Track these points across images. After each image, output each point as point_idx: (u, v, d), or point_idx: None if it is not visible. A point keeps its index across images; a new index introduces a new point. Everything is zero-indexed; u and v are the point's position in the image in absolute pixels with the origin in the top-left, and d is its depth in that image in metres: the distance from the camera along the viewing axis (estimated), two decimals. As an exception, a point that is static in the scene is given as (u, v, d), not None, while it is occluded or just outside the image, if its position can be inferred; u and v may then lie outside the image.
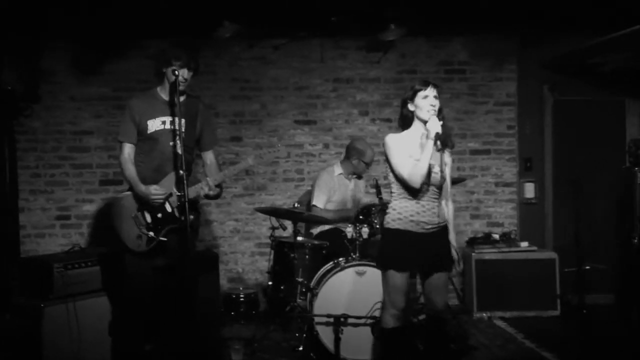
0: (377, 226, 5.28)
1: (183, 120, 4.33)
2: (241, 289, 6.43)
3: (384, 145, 4.14)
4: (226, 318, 6.07)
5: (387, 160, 4.13)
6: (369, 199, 5.99)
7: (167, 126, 4.36)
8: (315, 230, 5.99)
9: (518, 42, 6.92)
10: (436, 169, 4.06)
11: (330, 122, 6.89)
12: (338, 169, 6.06)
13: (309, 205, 6.02)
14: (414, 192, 4.04)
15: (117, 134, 4.54)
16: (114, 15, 5.98)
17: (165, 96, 4.39)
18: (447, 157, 4.18)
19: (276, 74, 6.84)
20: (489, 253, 6.41)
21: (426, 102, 3.99)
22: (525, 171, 6.98)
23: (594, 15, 6.08)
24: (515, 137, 6.98)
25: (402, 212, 4.09)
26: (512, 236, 6.59)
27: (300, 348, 4.98)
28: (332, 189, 5.97)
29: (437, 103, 4.01)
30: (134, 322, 4.43)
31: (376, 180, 5.66)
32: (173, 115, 4.34)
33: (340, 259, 5.18)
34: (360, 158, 5.95)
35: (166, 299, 4.38)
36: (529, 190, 6.96)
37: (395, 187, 4.14)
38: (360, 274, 4.99)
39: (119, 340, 4.69)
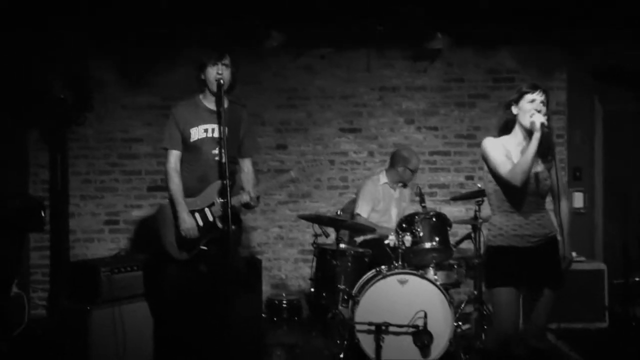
0: (420, 234, 5.25)
1: (226, 128, 4.28)
2: (284, 295, 6.46)
3: (482, 148, 3.87)
4: (269, 324, 6.12)
5: (486, 164, 3.87)
6: (413, 208, 5.96)
7: (210, 134, 4.37)
8: (359, 239, 5.99)
9: (568, 50, 6.80)
10: (542, 174, 3.79)
11: (376, 131, 6.89)
12: (383, 178, 6.05)
13: (353, 214, 6.02)
14: (515, 202, 3.79)
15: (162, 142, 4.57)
16: (163, 26, 6.12)
17: (207, 103, 4.42)
18: (552, 167, 3.83)
19: (322, 84, 6.88)
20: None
21: (532, 106, 3.74)
22: (574, 180, 6.85)
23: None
24: (565, 146, 6.86)
25: (503, 227, 3.84)
26: (560, 247, 6.45)
27: (342, 355, 4.97)
28: (377, 198, 5.96)
29: (543, 109, 3.73)
30: (175, 328, 4.48)
31: (419, 189, 5.63)
32: (216, 122, 4.35)
33: (383, 267, 5.17)
34: (406, 165, 5.93)
35: (207, 306, 4.40)
36: (578, 200, 6.82)
37: (494, 199, 3.89)
38: (402, 282, 4.97)
39: (162, 345, 4.76)
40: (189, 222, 4.29)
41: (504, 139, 3.88)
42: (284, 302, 6.25)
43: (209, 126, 4.39)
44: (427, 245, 5.25)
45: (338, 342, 5.13)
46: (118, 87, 6.77)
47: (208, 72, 4.32)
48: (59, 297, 5.72)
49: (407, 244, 5.26)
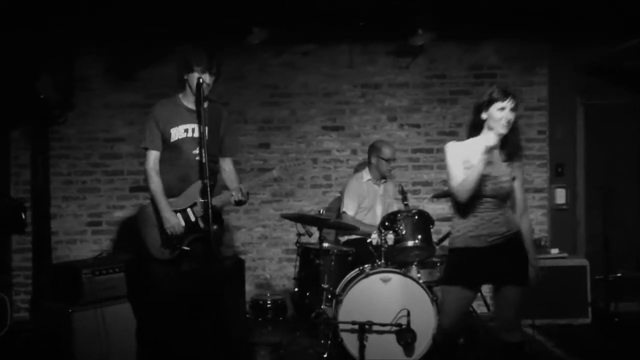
0: (403, 233, 5.26)
1: (206, 128, 4.26)
2: (269, 295, 6.44)
3: (444, 153, 3.95)
4: (254, 324, 6.11)
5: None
6: (398, 205, 5.96)
7: (190, 134, 4.35)
8: (343, 238, 6.00)
9: (549, 46, 6.82)
10: (500, 178, 3.83)
11: (359, 128, 6.89)
12: (367, 175, 6.06)
13: (339, 212, 6.02)
14: (467, 207, 3.86)
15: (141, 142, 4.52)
16: (146, 22, 6.08)
17: (187, 103, 4.39)
18: (517, 170, 3.92)
19: (305, 80, 6.86)
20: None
21: (501, 114, 3.75)
22: (557, 177, 6.87)
23: (627, 19, 5.99)
24: (546, 142, 6.89)
25: (460, 228, 3.92)
26: (543, 243, 6.49)
27: (325, 355, 4.98)
28: (362, 195, 5.96)
29: (512, 117, 3.76)
30: (158, 329, 4.46)
31: (402, 187, 5.65)
32: (196, 122, 4.32)
33: (366, 265, 5.18)
34: (378, 155, 5.93)
35: (192, 306, 4.40)
36: (560, 196, 6.85)
37: (453, 202, 3.98)
38: (385, 281, 4.98)
39: (145, 346, 4.74)
40: (173, 220, 4.27)
41: (470, 141, 3.89)
42: (269, 302, 6.24)
43: (189, 126, 4.36)
44: (410, 243, 5.25)
45: (322, 341, 5.13)
46: (100, 85, 6.73)
47: (193, 75, 4.27)
48: (42, 299, 5.68)
49: (390, 242, 5.26)
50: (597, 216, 6.28)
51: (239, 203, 4.40)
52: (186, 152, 4.33)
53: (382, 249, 5.21)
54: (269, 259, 6.86)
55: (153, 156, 4.42)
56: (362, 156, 6.72)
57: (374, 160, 5.97)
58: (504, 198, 3.89)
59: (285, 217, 5.79)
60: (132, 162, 6.73)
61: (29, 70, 6.11)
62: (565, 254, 6.40)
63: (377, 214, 5.99)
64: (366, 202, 5.98)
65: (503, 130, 3.74)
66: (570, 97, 6.87)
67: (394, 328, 4.83)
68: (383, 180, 6.09)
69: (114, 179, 6.74)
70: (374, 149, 6.00)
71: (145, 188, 6.41)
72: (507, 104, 3.75)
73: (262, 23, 6.13)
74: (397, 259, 5.31)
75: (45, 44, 6.12)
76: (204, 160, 4.13)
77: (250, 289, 6.57)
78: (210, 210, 3.95)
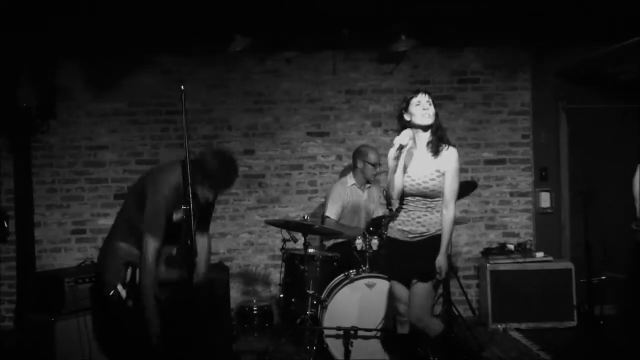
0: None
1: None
2: (255, 301, 6.43)
3: None
4: (240, 331, 6.09)
5: None
6: (381, 210, 5.97)
7: (180, 219, 3.88)
8: (329, 243, 6.00)
9: (532, 51, 6.87)
10: (418, 180, 4.09)
11: (343, 134, 6.89)
12: (351, 180, 6.06)
13: (323, 217, 6.01)
14: (402, 203, 4.24)
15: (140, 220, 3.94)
16: (128, 31, 6.08)
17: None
18: (445, 164, 4.09)
19: (289, 87, 6.87)
20: (504, 264, 6.34)
21: (419, 108, 4.09)
22: (541, 181, 6.90)
23: (610, 25, 6.03)
24: (531, 146, 6.92)
25: (395, 221, 4.30)
26: (528, 247, 6.51)
27: (311, 361, 4.97)
28: (346, 200, 5.96)
29: (430, 107, 4.10)
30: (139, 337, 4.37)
31: (386, 191, 5.63)
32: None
33: (351, 271, 5.17)
34: (364, 160, 5.94)
35: (176, 314, 4.33)
36: (545, 200, 6.88)
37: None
38: (370, 286, 4.99)
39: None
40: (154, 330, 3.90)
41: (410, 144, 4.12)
42: (255, 309, 6.22)
43: (182, 213, 4.01)
44: (395, 248, 5.23)
45: (308, 348, 5.11)
46: (83, 93, 6.71)
47: (201, 190, 3.92)
48: (25, 309, 5.63)
49: (375, 247, 5.26)
50: (582, 220, 6.29)
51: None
52: (174, 234, 3.93)
53: (367, 254, 5.20)
54: (255, 265, 6.83)
55: (159, 244, 3.93)
56: (348, 162, 6.72)
57: (360, 165, 5.98)
58: (432, 197, 4.11)
59: (271, 223, 5.76)
60: (116, 170, 6.72)
61: (10, 79, 6.10)
62: (550, 258, 6.42)
63: (362, 219, 5.99)
64: (350, 207, 5.98)
65: (426, 121, 4.07)
66: (553, 102, 6.91)
67: (379, 333, 4.83)
68: (368, 186, 6.09)
69: (98, 187, 6.72)
70: (360, 153, 6.01)
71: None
72: (422, 97, 4.11)
73: (245, 31, 6.14)
74: (382, 265, 5.30)
75: (25, 53, 6.09)
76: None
77: (236, 296, 6.54)
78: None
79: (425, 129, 4.12)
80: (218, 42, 6.26)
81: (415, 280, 4.15)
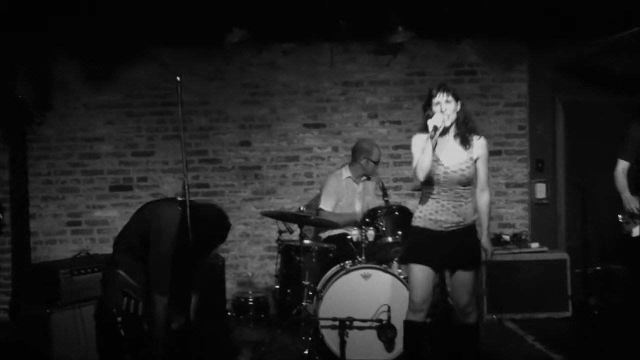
0: (383, 229, 5.26)
1: None
2: (250, 292, 6.44)
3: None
4: (235, 322, 6.09)
5: None
6: (377, 202, 5.97)
7: None
8: (324, 234, 5.99)
9: (529, 43, 6.86)
10: (453, 167, 4.10)
11: (340, 126, 6.89)
12: (346, 172, 6.05)
13: (317, 209, 6.01)
14: (432, 191, 4.16)
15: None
16: (125, 22, 6.06)
17: None
18: (478, 150, 4.17)
19: (285, 79, 6.86)
20: (499, 254, 6.32)
21: (437, 108, 4.12)
22: (537, 172, 6.92)
23: (606, 17, 6.02)
24: (527, 137, 6.93)
25: (423, 210, 4.22)
26: (523, 237, 6.53)
27: (306, 352, 4.96)
28: (340, 193, 5.95)
29: (448, 107, 4.10)
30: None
31: (382, 183, 5.65)
32: None
33: (346, 262, 5.17)
34: (368, 157, 5.93)
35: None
36: (540, 191, 6.89)
37: (421, 186, 4.28)
38: (365, 277, 4.98)
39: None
40: None
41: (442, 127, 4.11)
42: (250, 299, 6.23)
43: None
44: (390, 239, 5.25)
45: (303, 338, 5.12)
46: (78, 85, 6.70)
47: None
48: (21, 300, 5.62)
49: (370, 238, 5.26)
50: (578, 210, 6.31)
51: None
52: None
53: (363, 245, 5.19)
54: (251, 256, 6.85)
55: None
56: (344, 153, 6.73)
57: (362, 161, 5.94)
58: (465, 184, 4.15)
59: (266, 214, 5.78)
60: (111, 162, 6.72)
61: (6, 70, 6.07)
62: (545, 248, 6.43)
63: (356, 212, 5.99)
64: (344, 200, 5.97)
65: (442, 122, 4.03)
66: (550, 93, 6.92)
67: (375, 324, 4.84)
68: (363, 178, 6.09)
69: (94, 179, 6.72)
70: (363, 150, 5.96)
71: (125, 187, 6.66)
72: (440, 97, 4.11)
73: (241, 23, 6.12)
74: (377, 255, 5.31)
75: (22, 45, 6.07)
76: None
77: (231, 287, 6.56)
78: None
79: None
80: (214, 34, 6.23)
81: (459, 269, 4.20)
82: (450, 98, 4.12)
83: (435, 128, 4.00)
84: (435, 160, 4.07)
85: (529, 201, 6.93)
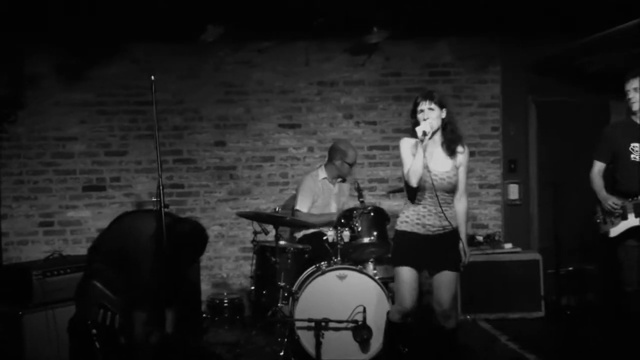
0: (359, 229, 5.27)
1: None
2: (225, 294, 6.42)
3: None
4: (210, 323, 6.07)
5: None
6: (353, 203, 5.97)
7: None
8: (299, 234, 5.99)
9: (502, 44, 6.92)
10: (440, 174, 4.22)
11: (315, 126, 6.89)
12: (322, 173, 6.05)
13: (293, 210, 6.01)
14: (419, 196, 4.26)
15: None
16: (98, 19, 5.98)
17: None
18: (461, 158, 4.32)
19: (261, 78, 6.84)
20: (473, 255, 6.32)
21: (421, 115, 4.24)
22: (510, 172, 6.98)
23: (577, 18, 6.10)
24: (500, 138, 6.99)
25: (409, 215, 4.32)
26: (497, 238, 6.60)
27: (282, 353, 4.96)
28: (316, 194, 5.96)
29: (431, 115, 4.20)
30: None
31: (358, 184, 5.67)
32: None
33: (322, 263, 5.18)
34: (343, 159, 5.94)
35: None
36: (513, 192, 6.96)
37: (405, 191, 4.39)
38: (341, 277, 4.99)
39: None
40: None
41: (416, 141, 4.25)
42: (225, 300, 6.21)
43: None
44: (366, 240, 5.27)
45: (279, 339, 5.12)
46: (50, 83, 6.61)
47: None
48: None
49: (346, 239, 5.28)
50: (550, 211, 6.38)
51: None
52: None
53: (338, 246, 5.21)
54: (226, 257, 6.82)
55: None
56: (319, 153, 6.74)
57: (337, 162, 5.95)
58: (450, 191, 4.29)
59: (242, 215, 5.76)
60: (84, 161, 6.65)
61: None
62: (518, 249, 6.51)
63: (331, 212, 5.99)
64: (320, 201, 5.97)
65: (427, 129, 4.12)
66: (523, 94, 6.99)
67: (350, 325, 4.85)
68: (339, 180, 6.09)
69: (67, 179, 6.63)
70: (339, 151, 5.97)
71: (99, 187, 6.57)
72: (423, 105, 4.23)
73: (217, 20, 6.08)
74: (353, 256, 5.34)
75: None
76: None
77: (206, 288, 6.52)
78: None
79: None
80: (189, 31, 6.17)
81: (443, 270, 4.31)
82: (434, 106, 4.21)
83: (425, 133, 4.11)
84: (424, 167, 4.15)
85: (502, 202, 6.99)
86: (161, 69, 6.48)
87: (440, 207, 4.19)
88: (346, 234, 5.28)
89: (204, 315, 6.11)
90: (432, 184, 4.17)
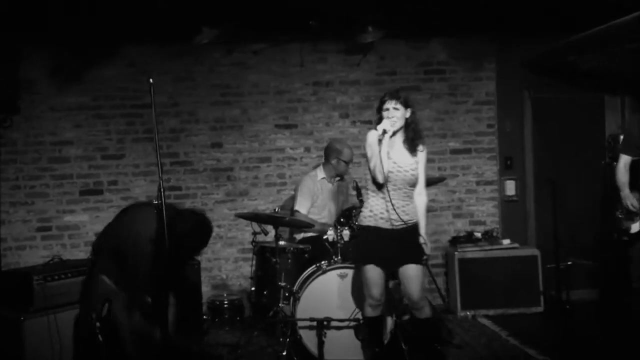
0: (358, 228, 5.27)
1: None
2: (225, 295, 6.42)
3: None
4: (211, 325, 6.06)
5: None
6: (353, 201, 5.98)
7: None
8: (299, 236, 5.98)
9: (497, 41, 6.94)
10: (405, 167, 4.37)
11: (311, 126, 6.89)
12: (321, 173, 6.05)
13: (292, 211, 6.01)
14: (382, 192, 4.36)
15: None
16: (93, 21, 5.96)
17: None
18: (420, 156, 4.46)
19: (256, 79, 6.84)
20: (471, 252, 6.43)
21: (386, 114, 4.39)
22: (506, 169, 7.01)
23: (573, 16, 6.13)
24: (496, 135, 7.01)
25: (373, 209, 4.43)
26: (494, 234, 6.62)
27: (284, 353, 4.96)
28: (315, 194, 5.96)
29: (395, 114, 4.36)
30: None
31: (356, 183, 5.64)
32: None
33: (323, 262, 5.18)
34: (338, 157, 5.95)
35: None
36: (510, 188, 6.99)
37: (370, 185, 4.46)
38: (342, 276, 5.00)
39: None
40: None
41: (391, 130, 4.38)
42: (225, 302, 6.21)
43: None
44: (366, 238, 5.26)
45: (281, 339, 5.12)
46: (46, 88, 6.59)
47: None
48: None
49: (346, 238, 5.27)
50: (547, 206, 6.40)
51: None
52: None
53: (339, 245, 5.20)
54: (225, 259, 6.81)
55: None
56: (316, 153, 6.74)
57: (333, 161, 5.96)
58: (413, 185, 4.43)
59: (240, 216, 5.75)
60: (81, 165, 6.63)
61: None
62: (516, 245, 6.53)
63: (331, 212, 6.00)
64: (319, 201, 5.98)
65: (389, 127, 4.29)
66: (518, 91, 7.02)
67: (352, 323, 4.85)
68: (337, 179, 6.10)
69: (63, 183, 6.61)
70: (334, 150, 5.98)
71: (96, 191, 6.55)
72: (388, 104, 4.39)
73: (212, 22, 6.08)
74: (356, 250, 5.32)
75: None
76: None
77: (206, 290, 6.50)
78: None
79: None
80: (184, 34, 6.16)
81: (408, 264, 4.38)
82: (399, 105, 4.36)
83: (385, 131, 4.27)
84: (390, 160, 4.32)
85: (499, 198, 7.01)
86: (157, 71, 6.46)
87: (403, 200, 4.36)
88: (346, 232, 5.26)
89: (204, 317, 6.10)
90: (397, 176, 4.34)
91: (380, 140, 4.26)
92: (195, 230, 4.00)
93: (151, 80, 4.09)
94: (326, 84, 6.90)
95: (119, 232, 4.01)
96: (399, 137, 4.43)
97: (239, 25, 6.28)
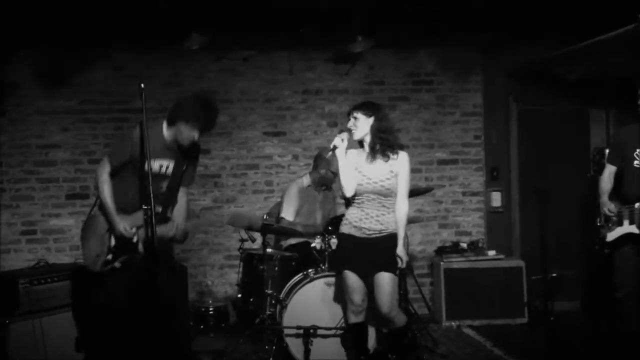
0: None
1: (173, 163, 4.28)
2: (210, 302, 6.39)
3: None
4: (196, 331, 6.03)
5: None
6: (339, 210, 6.00)
7: (163, 171, 4.25)
8: (285, 243, 5.98)
9: (483, 52, 7.01)
10: (374, 179, 4.38)
11: (300, 134, 6.91)
12: (307, 181, 6.05)
13: (278, 218, 6.01)
14: (356, 201, 4.46)
15: (91, 149, 4.45)
16: (80, 25, 5.96)
17: (168, 137, 4.28)
18: (398, 166, 4.42)
19: (245, 86, 6.85)
20: (457, 262, 6.47)
21: (349, 124, 4.49)
22: (492, 180, 7.06)
23: (557, 27, 6.21)
24: (482, 146, 7.06)
25: (349, 217, 4.52)
26: (480, 245, 6.66)
27: (270, 360, 4.97)
28: (302, 201, 5.96)
29: (356, 123, 4.43)
30: (100, 338, 4.34)
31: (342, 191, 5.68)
32: (172, 159, 4.27)
33: (310, 270, 5.18)
34: (328, 167, 5.96)
35: (133, 315, 4.29)
36: (496, 199, 7.04)
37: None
38: (329, 285, 5.00)
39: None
40: (122, 223, 4.10)
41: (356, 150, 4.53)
42: (211, 309, 6.18)
43: (165, 162, 4.26)
44: (353, 247, 5.27)
45: (267, 347, 5.12)
46: (32, 90, 6.55)
47: (185, 129, 4.19)
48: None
49: (333, 246, 5.26)
50: (532, 218, 6.46)
51: (173, 240, 4.34)
52: (153, 184, 3.97)
53: (326, 253, 5.22)
54: (210, 265, 6.80)
55: (111, 169, 4.26)
56: (304, 161, 6.76)
57: (322, 171, 5.94)
58: (387, 196, 4.41)
59: (229, 222, 5.75)
60: (67, 169, 6.60)
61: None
62: (501, 256, 6.58)
63: (317, 220, 6.01)
64: (305, 208, 5.98)
65: (337, 143, 4.40)
66: (504, 102, 7.08)
67: (339, 332, 4.86)
68: (324, 187, 6.11)
69: (49, 187, 6.58)
70: (323, 159, 5.95)
71: (82, 195, 6.51)
72: (352, 115, 4.46)
73: (201, 28, 6.09)
74: (334, 257, 5.32)
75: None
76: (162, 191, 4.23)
77: (191, 296, 6.47)
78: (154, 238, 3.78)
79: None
80: (173, 38, 6.19)
81: (380, 272, 4.38)
82: (359, 115, 4.41)
83: (334, 147, 4.39)
84: (359, 172, 4.40)
85: (485, 209, 7.06)
86: (144, 75, 6.45)
87: (377, 210, 4.39)
88: (334, 241, 5.25)
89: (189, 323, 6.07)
90: (367, 187, 4.38)
91: (335, 155, 4.39)
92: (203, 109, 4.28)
93: (142, 85, 4.11)
94: (315, 92, 6.93)
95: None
96: (366, 147, 4.45)
97: (228, 31, 6.31)
